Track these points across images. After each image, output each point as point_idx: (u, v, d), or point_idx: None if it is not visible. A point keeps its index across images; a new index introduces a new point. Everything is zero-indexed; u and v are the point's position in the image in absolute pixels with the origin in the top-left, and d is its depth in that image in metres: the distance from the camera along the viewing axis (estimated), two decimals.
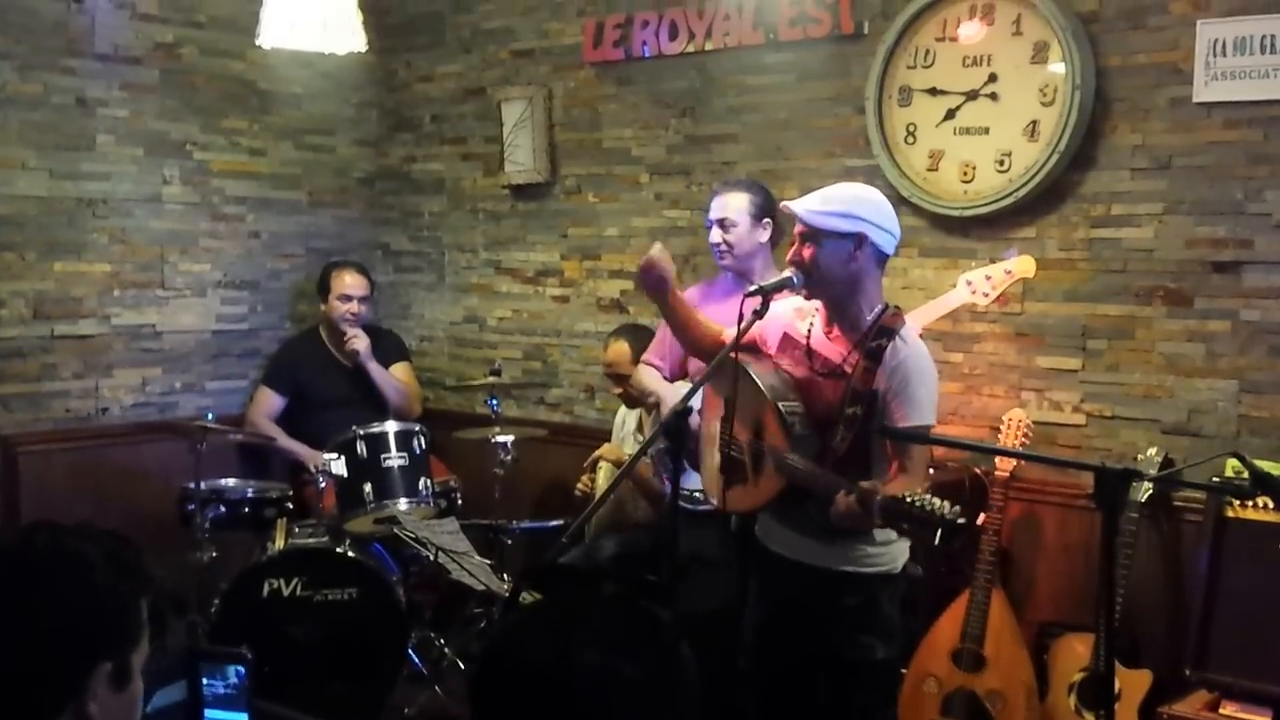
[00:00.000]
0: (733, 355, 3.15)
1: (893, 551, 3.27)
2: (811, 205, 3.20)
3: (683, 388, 4.02)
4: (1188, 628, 3.85)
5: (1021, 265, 4.09)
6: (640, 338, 4.60)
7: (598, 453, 4.69)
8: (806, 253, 3.17)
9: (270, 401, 5.52)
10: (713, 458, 3.40)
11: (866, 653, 3.26)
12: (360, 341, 5.39)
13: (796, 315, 3.33)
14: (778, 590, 3.38)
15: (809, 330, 3.28)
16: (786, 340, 3.31)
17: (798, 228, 3.22)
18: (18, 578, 1.60)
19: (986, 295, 4.11)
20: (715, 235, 4.06)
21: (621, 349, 4.56)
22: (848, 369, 3.18)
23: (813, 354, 3.25)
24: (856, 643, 3.26)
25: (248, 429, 5.43)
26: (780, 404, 3.16)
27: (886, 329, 3.17)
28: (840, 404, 3.15)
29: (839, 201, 3.21)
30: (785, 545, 3.34)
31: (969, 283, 4.13)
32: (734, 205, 4.05)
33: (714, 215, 4.07)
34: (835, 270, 3.17)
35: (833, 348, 3.23)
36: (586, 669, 1.50)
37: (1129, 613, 3.83)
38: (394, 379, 5.55)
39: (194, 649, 3.41)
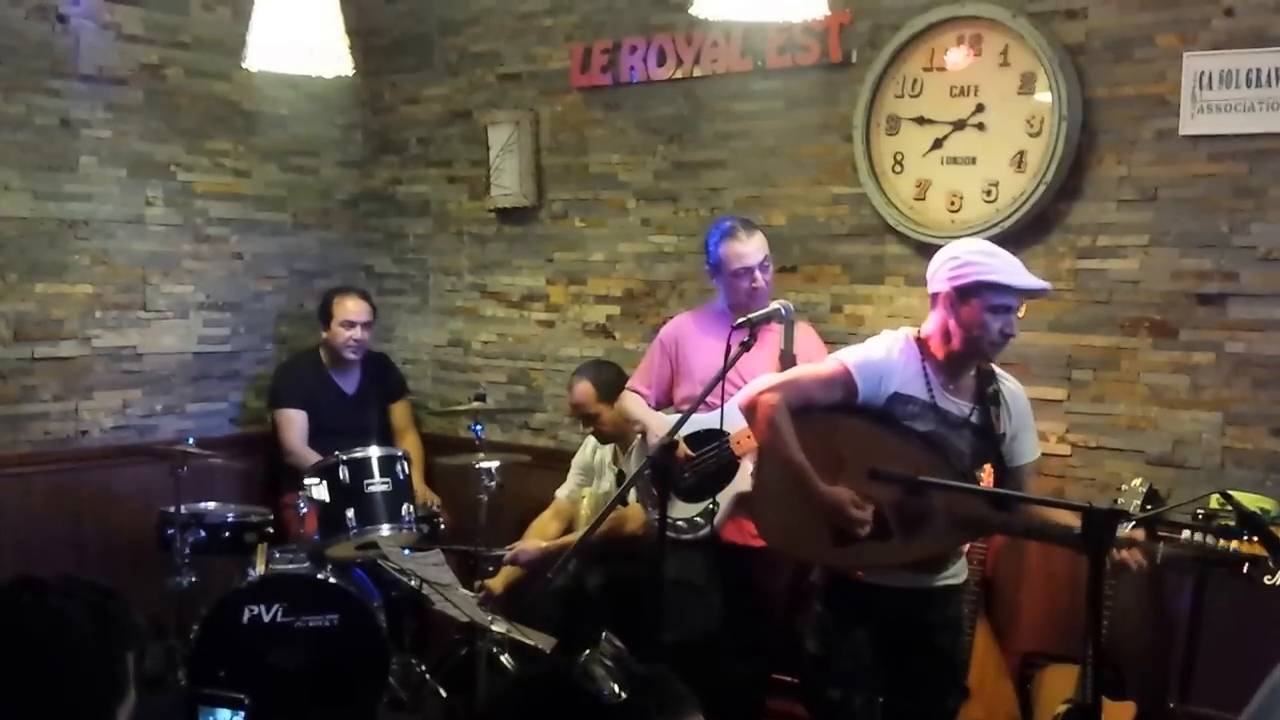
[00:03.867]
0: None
1: (963, 563, 3.52)
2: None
3: (668, 417, 4.01)
4: (1171, 660, 3.85)
5: None
6: (603, 373, 4.59)
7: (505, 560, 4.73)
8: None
9: (299, 421, 5.41)
10: (791, 514, 3.33)
11: (961, 657, 3.53)
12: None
13: (905, 370, 3.34)
14: (881, 611, 3.38)
15: (929, 390, 3.31)
16: (899, 399, 3.31)
17: (1016, 300, 3.24)
18: (2, 643, 1.58)
19: None
20: (758, 280, 4.05)
21: (587, 389, 4.55)
22: (975, 420, 3.32)
23: (939, 411, 3.31)
24: (959, 645, 3.49)
25: (293, 459, 5.30)
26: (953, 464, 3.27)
27: (988, 373, 3.36)
28: (973, 454, 3.32)
29: None
30: (890, 577, 3.36)
31: None
32: (764, 244, 4.09)
33: (754, 260, 4.05)
34: None
35: (956, 402, 3.33)
36: None
37: (1113, 644, 3.82)
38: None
39: (193, 692, 3.38)
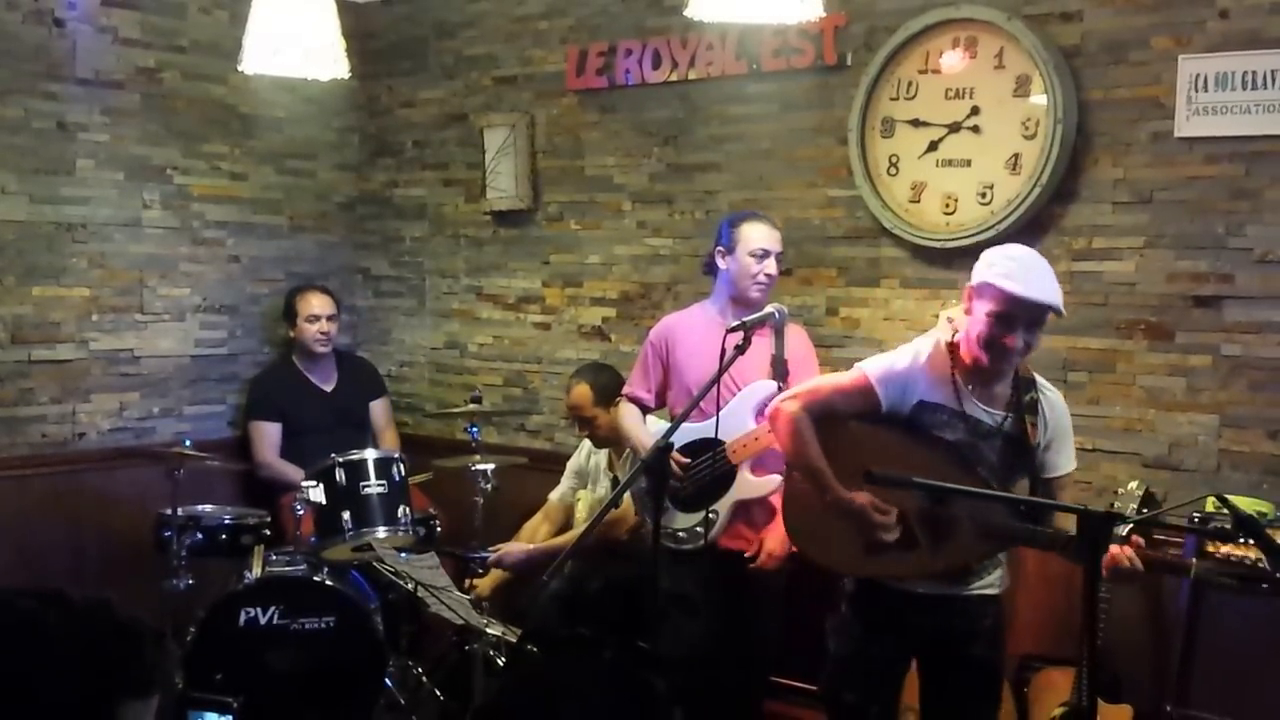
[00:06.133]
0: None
1: (1001, 573, 3.41)
2: (1059, 298, 3.14)
3: (657, 428, 4.00)
4: (1169, 664, 3.84)
5: None
6: (601, 376, 4.57)
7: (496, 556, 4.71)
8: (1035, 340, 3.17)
9: (272, 434, 5.52)
10: (821, 523, 3.32)
11: (1000, 668, 3.44)
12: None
13: (931, 377, 3.25)
14: (912, 620, 3.34)
15: (958, 397, 3.23)
16: (925, 407, 3.24)
17: (1020, 312, 3.10)
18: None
19: None
20: (771, 267, 4.04)
21: (583, 392, 4.52)
22: (1007, 428, 3.22)
23: (969, 419, 3.23)
24: (997, 657, 3.41)
25: (266, 471, 5.46)
26: (980, 474, 3.19)
27: (1027, 381, 3.25)
28: (1003, 464, 3.23)
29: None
30: (921, 585, 3.31)
31: (950, 320, 4.12)
32: (780, 241, 4.08)
33: (770, 245, 4.04)
34: None
35: (988, 410, 3.23)
36: None
37: (1110, 648, 3.82)
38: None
39: (184, 694, 3.37)
